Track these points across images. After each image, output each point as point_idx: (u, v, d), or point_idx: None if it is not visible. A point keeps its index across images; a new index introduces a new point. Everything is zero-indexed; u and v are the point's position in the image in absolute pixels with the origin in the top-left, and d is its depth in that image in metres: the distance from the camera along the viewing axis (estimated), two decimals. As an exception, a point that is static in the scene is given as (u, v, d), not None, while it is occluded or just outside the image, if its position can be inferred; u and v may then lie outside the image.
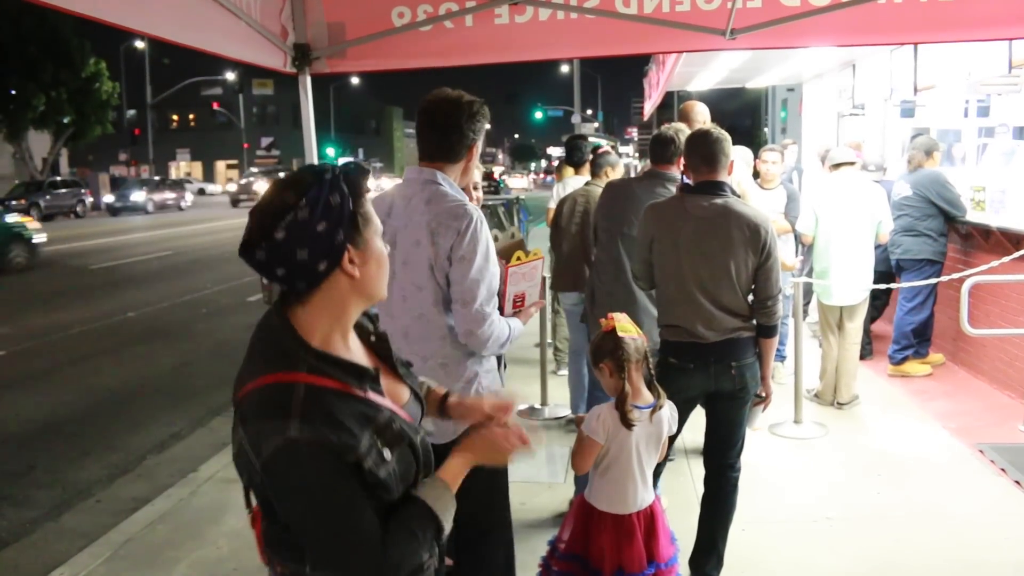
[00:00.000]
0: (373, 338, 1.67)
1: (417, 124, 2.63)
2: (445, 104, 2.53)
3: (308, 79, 3.64)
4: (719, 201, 3.22)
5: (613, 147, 6.69)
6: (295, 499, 1.42)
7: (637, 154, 68.15)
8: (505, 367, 2.89)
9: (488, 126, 2.67)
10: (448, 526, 1.58)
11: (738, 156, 5.46)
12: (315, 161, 3.81)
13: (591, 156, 5.35)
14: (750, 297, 3.26)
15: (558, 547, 2.82)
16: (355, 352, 1.57)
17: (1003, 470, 4.65)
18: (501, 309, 2.63)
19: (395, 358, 1.69)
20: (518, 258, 2.71)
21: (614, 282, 3.86)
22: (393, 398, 1.58)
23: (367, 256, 1.49)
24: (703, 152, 3.27)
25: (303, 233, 1.41)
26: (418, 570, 1.55)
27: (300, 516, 1.43)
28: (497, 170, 52.51)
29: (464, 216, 2.45)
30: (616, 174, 5.30)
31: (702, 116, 4.91)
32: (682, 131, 3.73)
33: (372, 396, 1.50)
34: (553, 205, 6.65)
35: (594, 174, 5.27)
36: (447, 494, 1.60)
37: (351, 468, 1.41)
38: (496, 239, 2.81)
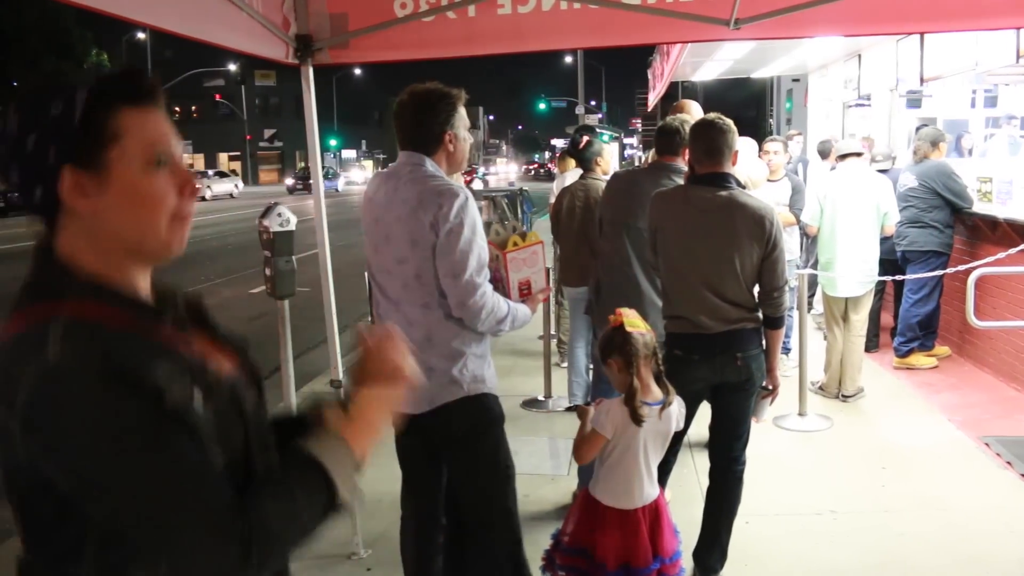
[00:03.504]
0: (185, 302, 1.29)
1: (394, 120, 2.68)
2: (411, 99, 2.61)
3: (310, 70, 3.62)
4: (724, 193, 3.20)
5: (617, 138, 6.65)
6: (76, 456, 1.00)
7: (641, 145, 67.93)
8: None
9: (465, 116, 2.68)
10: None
11: (745, 146, 5.44)
12: (317, 152, 3.79)
13: (577, 150, 5.30)
14: (755, 288, 3.25)
15: (562, 540, 2.82)
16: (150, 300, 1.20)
17: (1009, 463, 4.63)
18: (507, 297, 2.62)
19: (217, 327, 1.32)
20: (515, 243, 2.70)
21: (619, 274, 3.84)
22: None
23: (106, 185, 1.11)
24: (706, 143, 3.24)
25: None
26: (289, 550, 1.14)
27: (91, 483, 1.01)
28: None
29: (448, 193, 2.49)
30: (607, 162, 5.27)
31: (697, 116, 4.87)
32: (688, 122, 3.70)
33: (171, 338, 1.14)
34: (554, 199, 6.63)
35: (586, 168, 5.24)
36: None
37: (151, 393, 1.02)
38: (498, 234, 2.80)
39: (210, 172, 47.57)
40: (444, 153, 2.62)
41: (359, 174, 60.46)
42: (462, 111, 2.64)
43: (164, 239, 1.17)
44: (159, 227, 1.15)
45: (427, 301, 2.53)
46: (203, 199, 35.59)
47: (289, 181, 48.55)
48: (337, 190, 46.44)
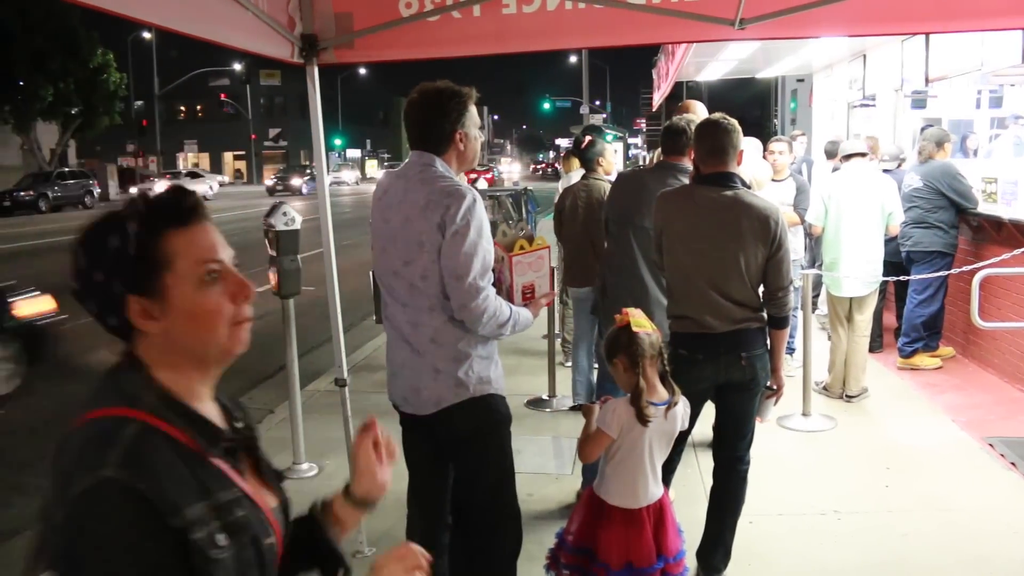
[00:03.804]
0: (241, 424, 1.38)
1: (403, 119, 2.69)
2: (422, 98, 2.60)
3: (316, 70, 3.62)
4: (729, 192, 3.20)
5: (621, 138, 6.65)
6: (92, 557, 1.10)
7: (646, 145, 67.84)
8: None
9: (475, 115, 2.67)
10: None
11: (750, 146, 5.44)
12: (323, 152, 3.80)
13: (579, 151, 5.31)
14: (760, 288, 3.25)
15: (566, 539, 2.82)
16: (213, 419, 1.31)
17: (1013, 464, 4.63)
18: (510, 300, 2.62)
19: (263, 458, 1.41)
20: (521, 247, 2.70)
21: (625, 274, 3.85)
22: (255, 495, 1.31)
23: (168, 307, 1.22)
24: (711, 143, 3.25)
25: (85, 284, 1.23)
26: None
27: None
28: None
29: (456, 194, 2.48)
30: (609, 162, 5.27)
31: (701, 116, 4.86)
32: (694, 122, 3.71)
33: (221, 466, 1.25)
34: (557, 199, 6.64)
35: (588, 168, 5.25)
36: None
37: (171, 535, 1.12)
38: (504, 234, 2.80)
39: (183, 172, 46.86)
40: (455, 152, 2.62)
41: (349, 175, 56.64)
42: (472, 110, 2.63)
43: (225, 346, 1.28)
44: (220, 337, 1.27)
45: (433, 303, 2.53)
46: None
47: (269, 182, 46.69)
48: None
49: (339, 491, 1.56)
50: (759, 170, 5.64)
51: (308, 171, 43.82)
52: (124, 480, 1.11)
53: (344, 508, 1.55)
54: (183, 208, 1.25)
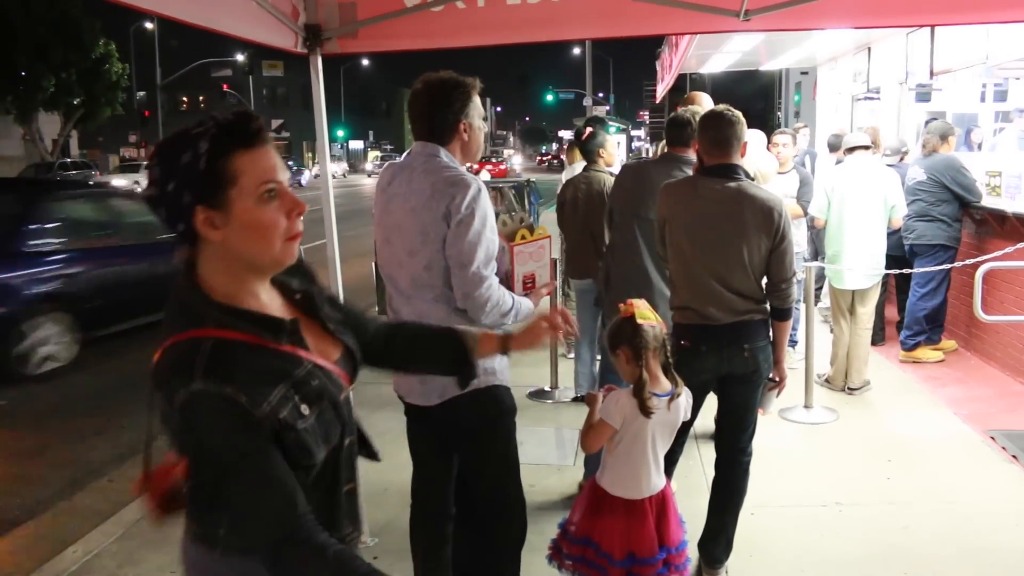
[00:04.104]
0: (298, 296, 1.61)
1: (407, 110, 2.68)
2: (426, 88, 2.59)
3: (319, 60, 3.62)
4: (732, 184, 3.20)
5: (625, 130, 6.64)
6: (203, 453, 1.38)
7: (648, 137, 67.73)
8: None
9: (479, 105, 2.66)
10: None
11: (755, 139, 5.42)
12: (326, 143, 3.79)
13: (580, 142, 5.30)
14: (763, 280, 3.25)
15: (569, 530, 2.82)
16: (271, 308, 1.52)
17: (1014, 456, 4.63)
18: (511, 289, 2.62)
19: (324, 315, 1.63)
20: (523, 236, 2.70)
21: (629, 265, 3.84)
22: (322, 355, 1.55)
23: (230, 218, 1.40)
24: (715, 135, 3.24)
25: (158, 193, 1.40)
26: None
27: (211, 470, 1.39)
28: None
29: (461, 184, 2.48)
30: (610, 153, 5.26)
31: (706, 108, 4.81)
32: (698, 114, 3.70)
33: (289, 349, 1.47)
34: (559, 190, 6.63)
35: (589, 160, 5.23)
36: None
37: (259, 422, 1.36)
38: (505, 224, 2.79)
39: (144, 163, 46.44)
40: (459, 143, 2.61)
41: (336, 167, 54.95)
42: (477, 100, 2.62)
43: (278, 257, 1.46)
44: (274, 248, 1.45)
45: (437, 294, 2.53)
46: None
47: None
48: (301, 184, 42.57)
49: (493, 332, 2.01)
50: (765, 163, 5.62)
51: (291, 164, 42.80)
52: (211, 390, 1.32)
53: (490, 344, 1.97)
54: (249, 131, 1.40)
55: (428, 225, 2.49)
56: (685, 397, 2.78)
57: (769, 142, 6.42)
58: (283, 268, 1.50)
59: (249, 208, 1.40)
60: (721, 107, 3.37)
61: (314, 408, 1.44)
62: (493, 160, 50.12)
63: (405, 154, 2.73)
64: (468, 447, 2.70)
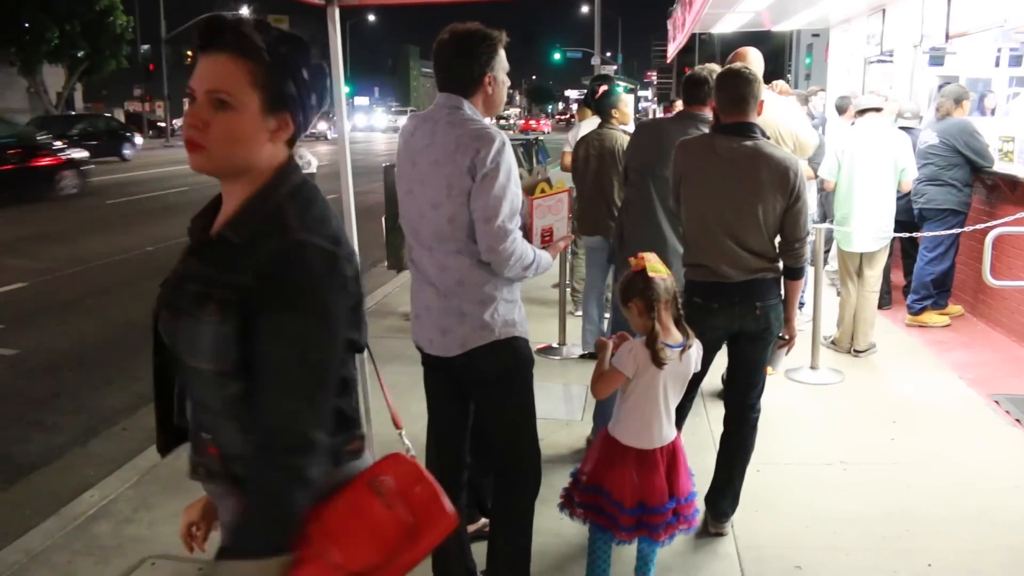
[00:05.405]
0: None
1: (433, 60, 2.65)
2: (452, 39, 2.56)
3: (336, 11, 3.60)
4: (749, 143, 3.19)
5: (632, 90, 6.58)
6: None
7: (656, 98, 67.13)
8: None
9: (504, 59, 2.63)
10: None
11: (794, 108, 5.23)
12: (342, 98, 3.78)
13: (594, 100, 5.27)
14: (776, 239, 3.26)
15: (580, 479, 2.88)
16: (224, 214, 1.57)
17: (1017, 420, 4.68)
18: (529, 241, 2.64)
19: None
20: (542, 190, 2.71)
21: (644, 222, 3.85)
22: None
23: None
24: (732, 93, 3.23)
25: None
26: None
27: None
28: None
29: (486, 137, 2.47)
30: (623, 112, 5.24)
31: (756, 66, 4.43)
32: (715, 72, 3.68)
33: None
34: (568, 149, 6.61)
35: (603, 118, 5.22)
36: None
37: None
38: (522, 178, 2.79)
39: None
40: (482, 95, 2.59)
41: (324, 125, 53.77)
42: (502, 53, 2.59)
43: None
44: None
45: (460, 246, 2.53)
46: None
47: None
48: (327, 137, 38.08)
49: None
50: (806, 134, 4.92)
51: (332, 116, 41.85)
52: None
53: None
54: (200, 37, 1.51)
55: (452, 178, 2.48)
56: (696, 348, 2.81)
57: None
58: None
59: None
60: (738, 65, 3.36)
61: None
62: (535, 118, 49.24)
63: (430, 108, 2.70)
64: (487, 396, 2.73)
